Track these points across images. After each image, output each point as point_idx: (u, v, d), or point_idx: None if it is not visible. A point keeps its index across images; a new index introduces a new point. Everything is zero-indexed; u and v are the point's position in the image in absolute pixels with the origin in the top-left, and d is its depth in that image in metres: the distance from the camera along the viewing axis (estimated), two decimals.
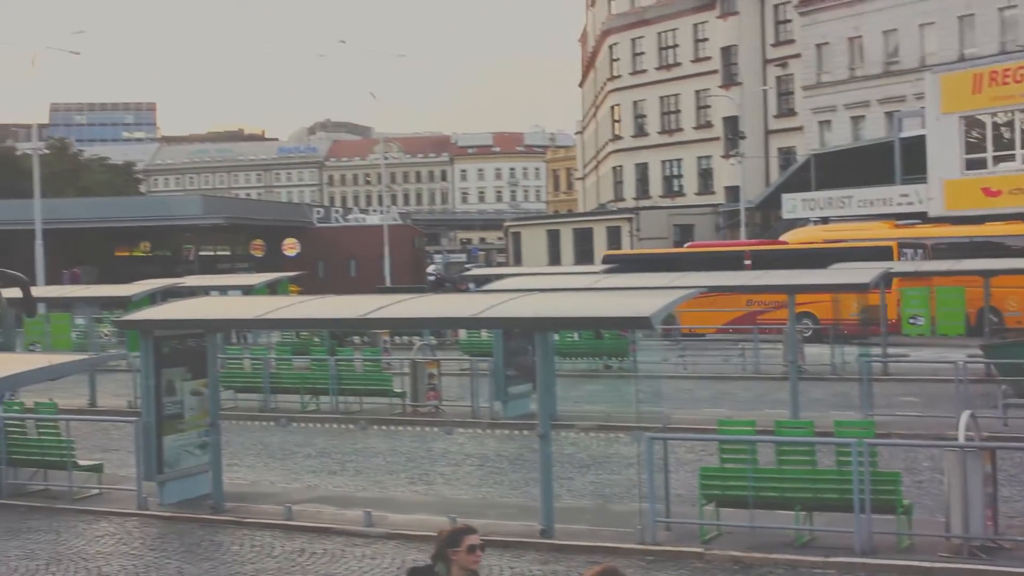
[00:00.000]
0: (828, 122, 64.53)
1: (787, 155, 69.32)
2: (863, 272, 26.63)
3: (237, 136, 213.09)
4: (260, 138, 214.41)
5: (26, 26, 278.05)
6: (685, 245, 59.42)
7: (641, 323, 14.61)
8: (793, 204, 56.32)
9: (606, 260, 51.50)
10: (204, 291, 34.64)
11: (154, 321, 17.24)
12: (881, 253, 37.84)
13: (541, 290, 19.34)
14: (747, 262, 41.08)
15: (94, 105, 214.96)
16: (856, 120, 63.11)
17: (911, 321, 37.25)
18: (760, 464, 14.01)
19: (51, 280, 51.38)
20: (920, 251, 40.09)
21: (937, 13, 57.86)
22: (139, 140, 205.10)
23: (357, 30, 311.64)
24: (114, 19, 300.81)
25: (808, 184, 56.27)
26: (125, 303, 31.68)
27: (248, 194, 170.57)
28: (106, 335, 40.81)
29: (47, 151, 69.17)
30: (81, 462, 18.03)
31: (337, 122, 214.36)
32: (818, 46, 64.99)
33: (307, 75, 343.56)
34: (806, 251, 41.93)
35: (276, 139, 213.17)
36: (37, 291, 28.08)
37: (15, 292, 23.05)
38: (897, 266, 34.72)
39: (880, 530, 13.10)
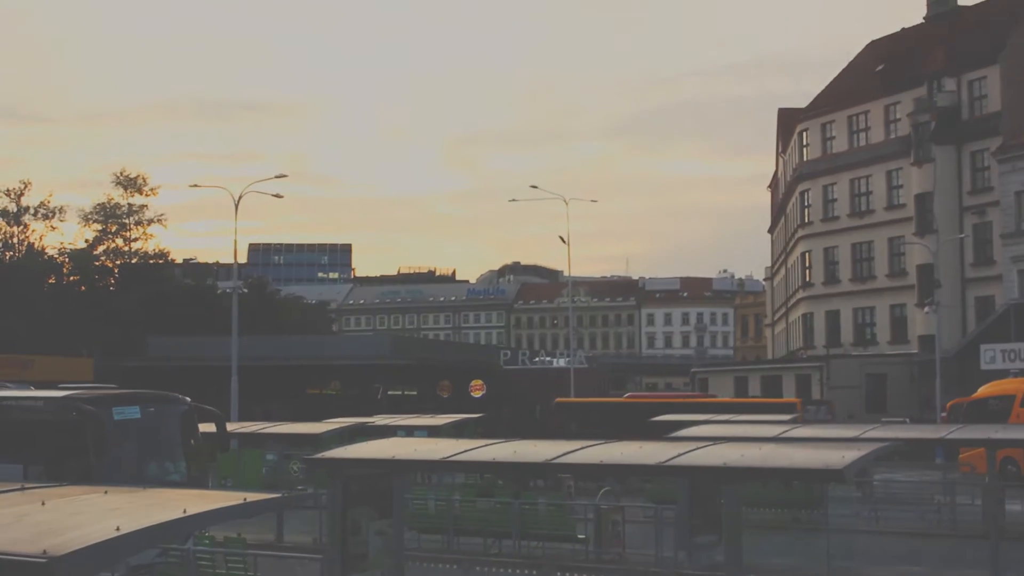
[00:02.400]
0: None
1: (985, 304, 67.39)
2: None
3: (427, 277, 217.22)
4: (450, 279, 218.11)
5: (230, 170, 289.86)
6: (625, 395, 59.31)
7: (833, 476, 14.16)
8: (992, 355, 54.71)
9: (557, 408, 51.85)
10: (392, 431, 34.93)
11: (343, 460, 17.39)
12: None
13: (729, 439, 18.98)
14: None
15: (291, 246, 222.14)
16: None
17: None
18: None
19: (244, 416, 52.52)
20: None
21: None
22: (333, 281, 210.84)
23: (547, 175, 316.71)
24: (315, 163, 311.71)
25: (1008, 335, 54.67)
26: (315, 441, 32.20)
27: (437, 335, 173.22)
28: (295, 472, 41.40)
29: (245, 290, 71.46)
30: None
31: (526, 265, 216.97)
32: (1017, 194, 63.55)
33: (498, 218, 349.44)
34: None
35: (466, 281, 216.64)
36: (231, 427, 28.72)
37: (210, 427, 23.61)
38: None
39: None
